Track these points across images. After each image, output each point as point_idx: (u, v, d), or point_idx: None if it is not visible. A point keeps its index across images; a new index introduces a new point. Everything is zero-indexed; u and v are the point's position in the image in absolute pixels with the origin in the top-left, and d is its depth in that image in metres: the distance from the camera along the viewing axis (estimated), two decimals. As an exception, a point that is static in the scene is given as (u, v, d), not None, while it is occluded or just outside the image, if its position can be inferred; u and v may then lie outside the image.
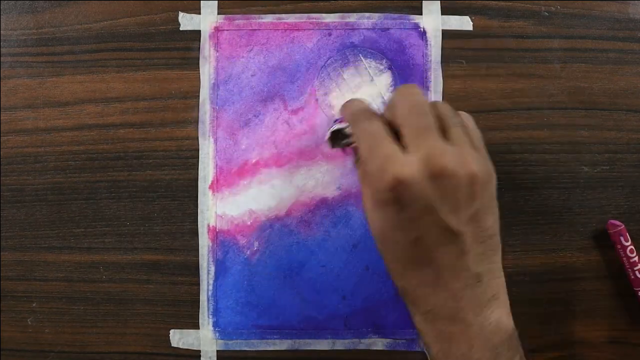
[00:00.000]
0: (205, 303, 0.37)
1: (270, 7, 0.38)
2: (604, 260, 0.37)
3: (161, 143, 0.37)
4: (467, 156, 0.27)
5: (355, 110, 0.30)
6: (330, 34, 0.37)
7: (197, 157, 0.37)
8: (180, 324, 0.37)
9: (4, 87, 0.38)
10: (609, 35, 0.38)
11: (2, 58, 0.38)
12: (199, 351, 0.37)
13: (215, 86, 0.37)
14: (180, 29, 0.38)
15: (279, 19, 0.37)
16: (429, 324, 0.27)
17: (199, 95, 0.37)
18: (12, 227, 0.37)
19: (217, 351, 0.37)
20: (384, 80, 0.37)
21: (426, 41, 0.37)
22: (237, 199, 0.37)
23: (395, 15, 0.37)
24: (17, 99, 0.38)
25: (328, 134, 0.32)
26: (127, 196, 0.37)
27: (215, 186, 0.37)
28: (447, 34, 0.37)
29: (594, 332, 0.37)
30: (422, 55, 0.37)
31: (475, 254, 0.27)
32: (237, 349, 0.37)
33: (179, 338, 0.37)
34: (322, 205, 0.37)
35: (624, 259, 0.36)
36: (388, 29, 0.37)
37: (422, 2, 0.38)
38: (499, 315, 0.27)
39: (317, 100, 0.37)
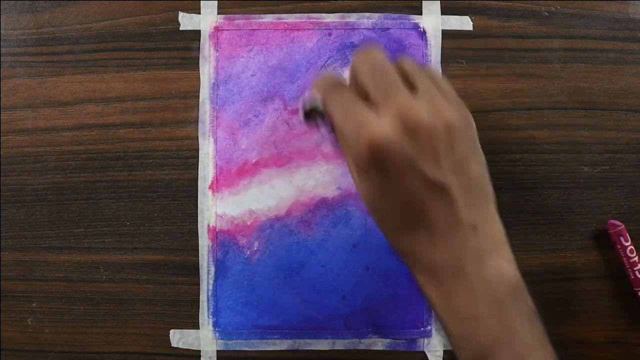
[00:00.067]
0: (205, 303, 0.37)
1: (270, 7, 0.38)
2: (604, 260, 0.37)
3: (161, 143, 0.37)
4: (439, 106, 0.26)
5: (325, 84, 0.30)
6: (330, 34, 0.37)
7: (197, 157, 0.37)
8: (180, 324, 0.37)
9: (4, 87, 0.38)
10: (609, 35, 0.38)
11: (2, 58, 0.38)
12: (199, 351, 0.37)
13: (215, 86, 0.37)
14: (180, 28, 0.38)
15: (279, 18, 0.37)
16: (431, 282, 0.27)
17: (199, 95, 0.37)
18: (12, 227, 0.37)
19: (217, 351, 0.37)
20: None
21: (426, 41, 0.37)
22: (237, 199, 0.37)
23: (395, 15, 0.37)
24: (17, 99, 0.38)
25: (302, 112, 0.31)
26: (127, 196, 0.37)
27: (215, 186, 0.37)
28: (447, 34, 0.37)
29: (594, 332, 0.37)
30: (422, 55, 0.37)
31: (466, 203, 0.26)
32: (237, 349, 0.37)
33: (179, 338, 0.37)
34: (322, 205, 0.37)
35: (624, 259, 0.36)
36: (388, 29, 0.37)
37: (422, 2, 0.38)
38: (501, 265, 0.26)
39: (317, 100, 0.37)
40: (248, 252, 0.37)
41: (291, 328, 0.37)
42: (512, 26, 0.38)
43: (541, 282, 0.37)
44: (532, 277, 0.37)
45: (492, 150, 0.37)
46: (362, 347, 0.37)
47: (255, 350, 0.37)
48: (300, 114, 0.31)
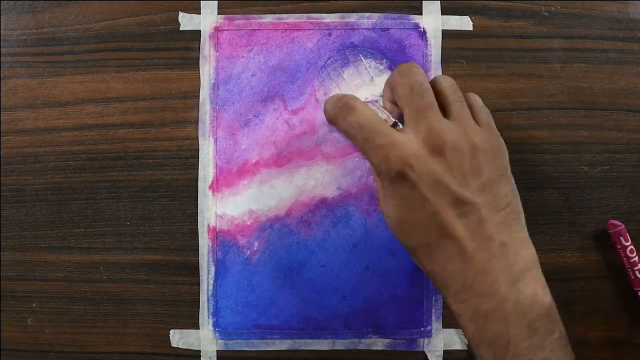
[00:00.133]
0: (205, 303, 0.37)
1: (270, 7, 0.38)
2: (604, 260, 0.37)
3: (161, 143, 0.37)
4: (467, 129, 0.27)
5: (335, 109, 0.30)
6: (330, 34, 0.37)
7: (197, 157, 0.37)
8: (180, 324, 0.37)
9: (4, 87, 0.38)
10: (609, 35, 0.38)
11: (2, 58, 0.38)
12: (199, 351, 0.37)
13: (215, 86, 0.37)
14: (180, 29, 0.38)
15: (279, 19, 0.37)
16: (462, 304, 0.27)
17: (199, 95, 0.37)
18: (12, 227, 0.37)
19: (217, 351, 0.37)
20: (384, 80, 0.37)
21: (426, 41, 0.37)
22: (237, 199, 0.37)
23: (395, 15, 0.37)
24: (17, 99, 0.38)
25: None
26: (127, 196, 0.37)
27: (215, 186, 0.37)
28: (447, 34, 0.37)
29: (594, 332, 0.37)
30: (422, 55, 0.37)
31: (495, 222, 0.26)
32: (237, 349, 0.37)
33: (179, 338, 0.37)
34: (322, 205, 0.37)
35: (624, 259, 0.36)
36: (388, 29, 0.37)
37: (422, 2, 0.38)
38: (534, 288, 0.26)
39: (317, 100, 0.37)
40: (248, 252, 0.37)
41: (291, 328, 0.37)
42: (512, 26, 0.38)
43: (541, 282, 0.37)
44: (532, 277, 0.37)
45: (492, 150, 0.37)
46: (362, 347, 0.37)
47: (255, 350, 0.37)
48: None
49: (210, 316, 0.37)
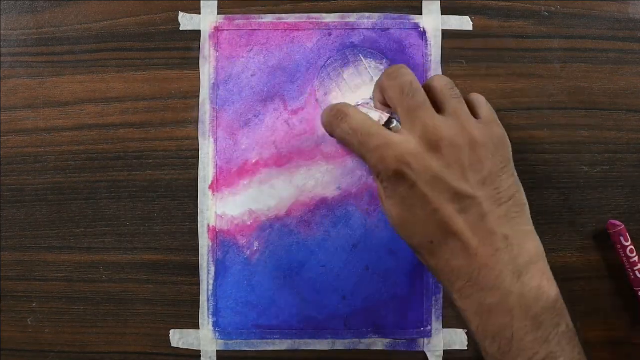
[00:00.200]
0: (205, 303, 0.37)
1: (270, 7, 0.38)
2: (604, 260, 0.37)
3: (161, 143, 0.37)
4: (465, 123, 0.27)
5: (328, 118, 0.30)
6: (330, 34, 0.37)
7: (197, 157, 0.37)
8: (180, 324, 0.37)
9: (4, 87, 0.38)
10: (609, 35, 0.38)
11: (2, 58, 0.38)
12: (199, 351, 0.37)
13: (215, 86, 0.37)
14: (180, 29, 0.38)
15: (279, 19, 0.37)
16: (467, 299, 0.27)
17: (199, 95, 0.37)
18: (12, 227, 0.37)
19: (217, 351, 0.37)
20: (384, 80, 0.37)
21: (426, 41, 0.37)
22: (237, 199, 0.37)
23: (395, 15, 0.37)
24: (17, 99, 0.38)
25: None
26: (127, 196, 0.37)
27: (215, 186, 0.37)
28: (447, 34, 0.37)
29: (594, 332, 0.37)
30: (422, 55, 0.37)
31: (497, 216, 0.26)
32: (237, 349, 0.37)
33: (179, 338, 0.37)
34: (322, 205, 0.37)
35: (624, 259, 0.36)
36: (388, 29, 0.37)
37: (422, 2, 0.38)
38: (539, 281, 0.26)
39: (317, 100, 0.37)
40: (248, 252, 0.37)
41: (291, 328, 0.37)
42: (512, 26, 0.38)
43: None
44: (532, 277, 0.37)
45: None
46: (362, 347, 0.37)
47: (255, 350, 0.37)
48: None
49: (210, 316, 0.37)
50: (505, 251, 0.26)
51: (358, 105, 0.34)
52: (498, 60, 0.37)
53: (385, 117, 0.29)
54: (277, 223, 0.37)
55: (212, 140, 0.37)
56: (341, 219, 0.37)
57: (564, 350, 0.25)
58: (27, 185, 0.37)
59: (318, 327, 0.37)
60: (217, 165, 0.37)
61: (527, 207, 0.28)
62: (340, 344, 0.37)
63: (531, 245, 0.27)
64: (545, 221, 0.37)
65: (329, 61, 0.37)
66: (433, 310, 0.37)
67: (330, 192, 0.37)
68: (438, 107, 0.28)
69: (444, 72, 0.37)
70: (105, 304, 0.37)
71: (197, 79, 0.37)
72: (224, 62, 0.37)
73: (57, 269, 0.37)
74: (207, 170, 0.37)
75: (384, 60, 0.37)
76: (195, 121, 0.37)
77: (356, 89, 0.37)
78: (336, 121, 0.29)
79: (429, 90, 0.29)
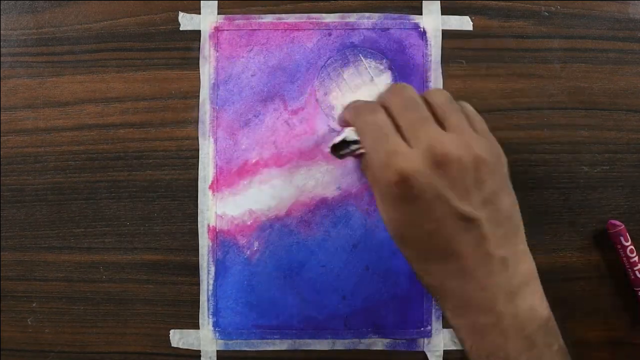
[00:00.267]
0: (205, 303, 0.37)
1: (270, 7, 0.38)
2: (604, 260, 0.37)
3: (161, 143, 0.37)
4: (468, 141, 0.26)
5: (358, 105, 0.29)
6: (330, 34, 0.37)
7: (197, 157, 0.37)
8: (180, 324, 0.37)
9: (4, 87, 0.38)
10: (609, 35, 0.38)
11: (2, 58, 0.38)
12: (199, 351, 0.37)
13: (215, 86, 0.37)
14: (180, 29, 0.38)
15: (279, 19, 0.37)
16: (460, 319, 0.27)
17: (199, 95, 0.37)
18: (12, 227, 0.37)
19: (217, 351, 0.37)
20: (384, 80, 0.37)
21: (426, 41, 0.37)
22: (237, 199, 0.37)
23: (395, 15, 0.37)
24: (17, 99, 0.38)
25: (330, 147, 0.31)
26: (127, 196, 0.37)
27: (215, 186, 0.37)
28: (447, 34, 0.37)
29: (594, 332, 0.37)
30: (422, 55, 0.37)
31: (496, 237, 0.26)
32: (237, 349, 0.37)
33: (179, 338, 0.37)
34: (322, 205, 0.37)
35: (624, 259, 0.36)
36: (388, 29, 0.37)
37: (422, 2, 0.38)
38: (532, 302, 0.26)
39: (317, 100, 0.37)
40: (248, 252, 0.37)
41: (291, 328, 0.37)
42: (512, 26, 0.38)
43: (541, 282, 0.37)
44: (532, 277, 0.37)
45: (492, 150, 0.37)
46: (362, 347, 0.37)
47: (255, 350, 0.37)
48: (328, 149, 0.31)
49: (210, 316, 0.37)
50: (501, 274, 0.26)
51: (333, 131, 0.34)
52: (498, 60, 0.37)
53: (353, 136, 0.29)
54: (277, 223, 0.37)
55: (212, 140, 0.37)
56: (341, 219, 0.37)
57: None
58: (27, 185, 0.37)
59: (318, 327, 0.37)
60: (217, 165, 0.37)
61: (522, 226, 0.28)
62: (340, 344, 0.37)
63: (525, 266, 0.27)
64: (545, 221, 0.37)
65: (329, 61, 0.37)
66: (433, 310, 0.37)
67: (330, 192, 0.37)
68: (439, 122, 0.28)
69: (444, 72, 0.37)
70: (105, 304, 0.37)
71: (197, 79, 0.37)
72: (224, 62, 0.37)
73: (57, 269, 0.37)
74: (207, 170, 0.37)
75: (384, 60, 0.37)
76: (195, 121, 0.37)
77: (356, 89, 0.37)
78: (366, 111, 0.28)
79: (427, 104, 0.28)
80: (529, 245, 0.37)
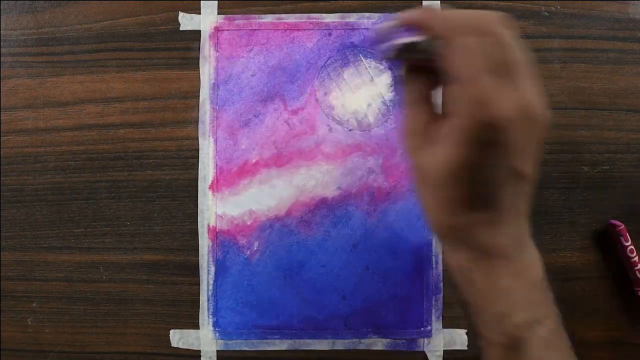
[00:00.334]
0: (205, 303, 0.37)
1: (270, 7, 0.38)
2: (604, 260, 0.37)
3: (161, 143, 0.37)
4: (543, 100, 0.26)
5: (458, 22, 0.25)
6: (330, 34, 0.37)
7: (197, 157, 0.37)
8: (180, 324, 0.37)
9: (4, 87, 0.38)
10: (609, 35, 0.38)
11: (2, 58, 0.38)
12: (199, 351, 0.37)
13: (215, 86, 0.37)
14: (180, 29, 0.38)
15: (279, 19, 0.37)
16: (476, 261, 0.28)
17: (199, 95, 0.37)
18: (12, 227, 0.37)
19: (217, 351, 0.37)
20: (384, 80, 0.37)
21: (426, 41, 0.37)
22: (237, 199, 0.37)
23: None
24: (17, 99, 0.38)
25: (395, 46, 0.26)
26: (127, 196, 0.37)
27: (215, 186, 0.37)
28: (447, 34, 0.37)
29: (594, 332, 0.37)
30: (422, 55, 0.37)
31: (528, 197, 0.27)
32: (237, 349, 0.37)
33: (179, 338, 0.37)
34: (322, 205, 0.37)
35: (624, 259, 0.36)
36: (388, 29, 0.37)
37: (422, 2, 0.38)
38: (535, 256, 0.28)
39: (317, 100, 0.37)
40: (248, 252, 0.37)
41: (291, 328, 0.37)
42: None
43: (541, 282, 0.37)
44: (532, 277, 0.37)
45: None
46: (362, 347, 0.37)
47: (255, 350, 0.37)
48: (392, 48, 0.26)
49: (210, 316, 0.37)
50: (519, 227, 0.28)
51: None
52: (498, 60, 0.37)
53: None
54: (277, 223, 0.37)
55: (212, 140, 0.37)
56: (341, 219, 0.37)
57: (554, 310, 0.28)
58: (27, 185, 0.37)
59: (318, 327, 0.37)
60: (217, 165, 0.37)
61: None
62: (340, 344, 0.37)
63: (526, 222, 0.28)
64: (545, 221, 0.37)
65: (329, 61, 0.37)
66: (433, 310, 0.37)
67: (330, 192, 0.37)
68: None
69: (444, 72, 0.37)
70: (105, 304, 0.37)
71: (197, 79, 0.37)
72: (224, 62, 0.37)
73: (57, 269, 0.37)
74: (207, 170, 0.37)
75: (384, 60, 0.37)
76: (195, 121, 0.37)
77: (356, 89, 0.37)
78: (470, 30, 0.25)
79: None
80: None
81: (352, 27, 0.37)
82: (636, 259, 0.35)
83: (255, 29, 0.37)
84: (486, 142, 0.25)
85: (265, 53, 0.37)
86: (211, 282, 0.37)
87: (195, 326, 0.37)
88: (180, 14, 0.38)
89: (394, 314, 0.37)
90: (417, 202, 0.31)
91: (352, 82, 0.37)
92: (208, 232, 0.37)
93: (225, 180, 0.37)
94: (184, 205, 0.37)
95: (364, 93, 0.37)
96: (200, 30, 0.37)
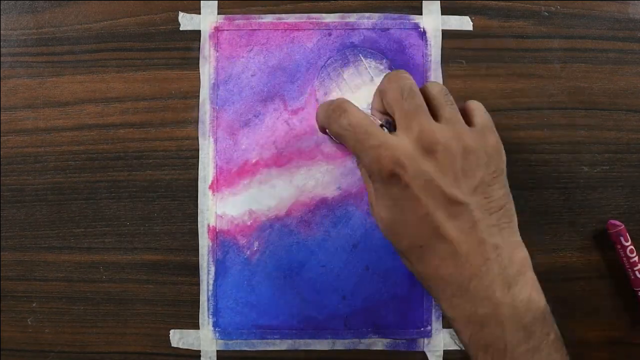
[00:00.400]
0: (205, 303, 0.37)
1: (270, 7, 0.38)
2: (604, 260, 0.37)
3: (161, 143, 0.37)
4: (459, 130, 0.27)
5: (327, 112, 0.30)
6: (330, 34, 0.37)
7: (197, 157, 0.37)
8: (180, 324, 0.37)
9: (4, 87, 0.38)
10: (609, 35, 0.38)
11: (2, 58, 0.38)
12: (199, 351, 0.37)
13: (215, 86, 0.37)
14: (180, 29, 0.38)
15: (279, 19, 0.37)
16: (457, 309, 0.27)
17: (199, 95, 0.37)
18: (12, 227, 0.37)
19: (217, 351, 0.37)
20: (384, 80, 0.37)
21: (426, 41, 0.37)
22: (237, 199, 0.37)
23: (395, 15, 0.37)
24: (17, 99, 0.38)
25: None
26: (127, 196, 0.37)
27: (215, 186, 0.37)
28: (447, 34, 0.37)
29: (594, 332, 0.37)
30: (422, 55, 0.37)
31: (487, 225, 0.26)
32: (237, 349, 0.37)
33: (179, 338, 0.37)
34: (322, 205, 0.37)
35: (624, 259, 0.36)
36: (388, 29, 0.37)
37: (422, 2, 0.38)
38: (529, 292, 0.26)
39: (317, 100, 0.37)
40: (248, 252, 0.37)
41: (291, 328, 0.37)
42: (512, 26, 0.38)
43: (541, 282, 0.37)
44: (532, 277, 0.37)
45: (492, 150, 0.37)
46: (362, 347, 0.37)
47: (255, 350, 0.37)
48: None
49: (210, 316, 0.37)
50: (495, 261, 0.26)
51: None
52: (498, 60, 0.37)
53: (377, 122, 0.30)
54: (277, 223, 0.37)
55: (212, 140, 0.37)
56: (341, 219, 0.37)
57: (554, 358, 0.26)
58: (27, 185, 0.37)
59: (318, 327, 0.37)
60: (217, 165, 0.37)
61: (516, 218, 0.29)
62: (340, 344, 0.37)
63: (520, 255, 0.27)
64: (545, 221, 0.37)
65: (329, 61, 0.37)
66: (433, 310, 0.37)
67: (330, 192, 0.37)
68: (433, 113, 0.29)
69: (444, 72, 0.37)
70: (105, 304, 0.37)
71: (197, 79, 0.37)
72: (224, 62, 0.37)
73: (57, 269, 0.37)
74: (207, 170, 0.37)
75: (384, 60, 0.37)
76: (195, 121, 0.37)
77: (356, 89, 0.37)
78: (335, 115, 0.29)
79: (423, 96, 0.29)
80: (529, 244, 0.37)
81: (352, 27, 0.37)
82: (636, 259, 0.36)
83: (255, 29, 0.37)
84: (397, 187, 0.27)
85: (265, 53, 0.37)
86: (211, 282, 0.37)
87: (195, 326, 0.37)
88: (180, 14, 0.38)
89: (394, 314, 0.37)
90: None
91: (352, 82, 0.37)
92: (208, 232, 0.37)
93: (225, 180, 0.37)
94: (184, 205, 0.37)
95: (364, 93, 0.37)
96: (200, 30, 0.37)
